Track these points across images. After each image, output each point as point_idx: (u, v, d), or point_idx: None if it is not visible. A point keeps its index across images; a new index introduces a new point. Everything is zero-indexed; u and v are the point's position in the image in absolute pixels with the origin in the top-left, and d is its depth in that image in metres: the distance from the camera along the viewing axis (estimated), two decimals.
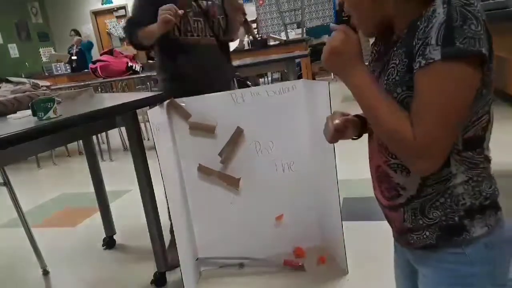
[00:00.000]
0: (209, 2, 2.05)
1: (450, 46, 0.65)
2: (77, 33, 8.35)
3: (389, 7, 0.76)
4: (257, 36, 7.00)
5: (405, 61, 0.73)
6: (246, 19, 7.06)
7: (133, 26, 1.98)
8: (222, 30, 2.09)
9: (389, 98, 0.74)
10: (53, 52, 8.81)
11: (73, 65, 7.61)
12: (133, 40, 1.99)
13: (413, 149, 0.70)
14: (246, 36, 6.72)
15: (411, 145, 0.70)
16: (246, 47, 6.53)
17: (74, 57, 7.73)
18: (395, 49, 0.77)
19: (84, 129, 1.67)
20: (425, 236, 0.79)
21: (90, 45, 8.51)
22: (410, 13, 0.72)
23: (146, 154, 1.93)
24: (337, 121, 0.88)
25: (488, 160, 0.77)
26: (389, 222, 0.89)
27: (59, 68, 7.34)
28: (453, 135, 0.71)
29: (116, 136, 4.85)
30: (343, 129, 0.90)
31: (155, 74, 4.98)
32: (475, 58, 0.66)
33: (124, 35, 2.15)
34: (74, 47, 7.95)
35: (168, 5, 1.81)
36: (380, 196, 0.87)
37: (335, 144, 0.99)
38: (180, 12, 1.83)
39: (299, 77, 6.08)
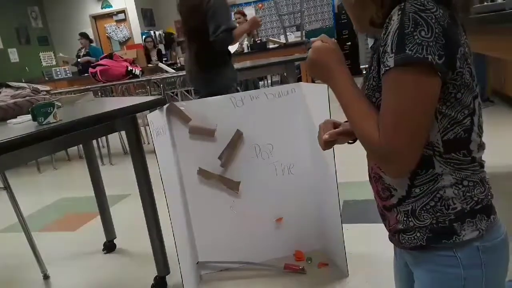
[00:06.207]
0: None
1: (400, 53, 0.66)
2: (86, 36, 8.13)
3: (372, 10, 0.77)
4: (257, 39, 7.00)
5: (376, 68, 0.75)
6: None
7: (230, 31, 2.63)
8: None
9: (364, 102, 0.76)
10: (60, 55, 8.66)
11: (79, 68, 7.51)
12: (231, 43, 2.68)
13: (378, 153, 0.73)
14: (247, 38, 6.72)
15: (376, 149, 0.72)
16: (246, 50, 6.54)
17: (79, 60, 7.65)
18: (375, 55, 0.79)
19: (84, 134, 1.68)
20: (415, 237, 0.79)
21: (97, 51, 8.10)
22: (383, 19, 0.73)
23: (146, 158, 1.93)
24: (326, 136, 0.91)
25: (479, 163, 0.77)
26: (383, 221, 0.90)
27: (59, 73, 7.34)
28: (415, 140, 0.70)
29: (116, 139, 4.86)
30: (333, 140, 0.93)
31: (154, 77, 5.03)
32: (424, 65, 0.66)
33: (223, 42, 2.71)
34: (83, 50, 7.78)
35: None
36: (377, 196, 0.88)
37: (334, 146, 1.02)
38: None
39: (299, 80, 6.08)
